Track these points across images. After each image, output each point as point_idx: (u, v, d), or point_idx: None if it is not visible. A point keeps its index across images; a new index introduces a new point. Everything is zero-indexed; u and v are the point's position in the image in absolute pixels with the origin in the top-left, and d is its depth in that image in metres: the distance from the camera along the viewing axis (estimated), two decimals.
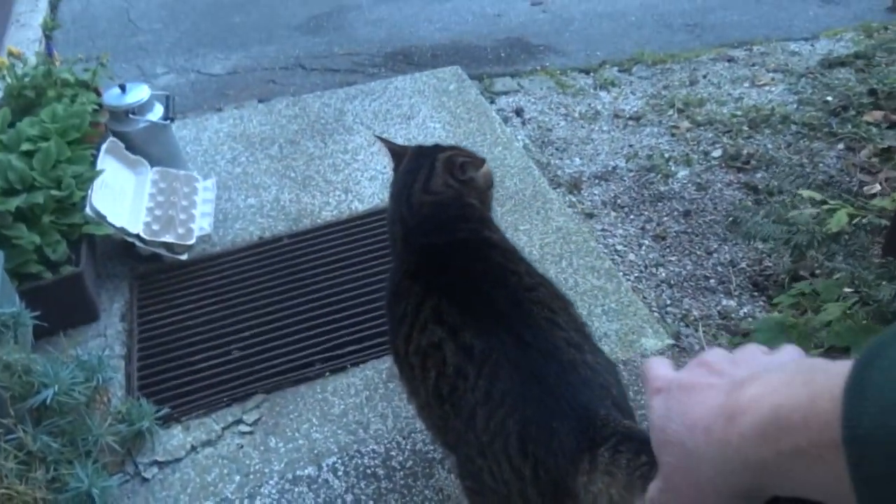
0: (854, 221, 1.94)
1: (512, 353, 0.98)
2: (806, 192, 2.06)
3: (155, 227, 2.14)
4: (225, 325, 1.99)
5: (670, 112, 2.85)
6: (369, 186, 2.46)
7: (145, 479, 1.69)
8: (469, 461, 1.01)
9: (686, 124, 2.77)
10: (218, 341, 1.95)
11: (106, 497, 1.53)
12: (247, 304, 2.04)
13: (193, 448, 1.74)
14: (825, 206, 2.01)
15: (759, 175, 2.47)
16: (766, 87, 2.98)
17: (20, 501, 1.43)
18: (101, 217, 1.96)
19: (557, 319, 1.04)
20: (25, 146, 1.98)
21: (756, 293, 2.05)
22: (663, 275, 2.13)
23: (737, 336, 1.88)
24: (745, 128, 2.72)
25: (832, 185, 2.35)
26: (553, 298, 1.10)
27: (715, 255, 2.19)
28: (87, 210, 1.94)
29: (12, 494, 1.43)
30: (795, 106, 2.84)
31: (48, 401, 1.52)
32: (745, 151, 2.57)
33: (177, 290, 2.09)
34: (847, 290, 1.67)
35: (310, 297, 2.03)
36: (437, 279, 1.15)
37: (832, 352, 1.41)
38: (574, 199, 2.43)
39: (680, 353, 1.75)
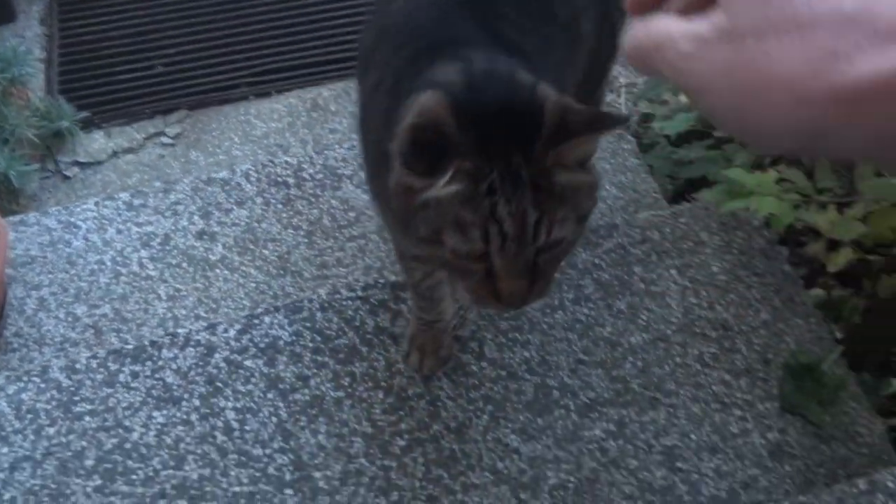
0: None
1: None
2: None
3: None
4: (148, 39, 1.94)
5: None
6: None
7: (66, 177, 1.74)
8: None
9: None
10: (141, 55, 1.92)
11: (25, 181, 1.59)
12: (172, 21, 1.98)
13: (115, 153, 1.79)
14: None
15: None
16: None
17: None
18: None
19: None
20: None
21: None
22: None
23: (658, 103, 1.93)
24: None
25: None
26: None
27: None
28: None
29: None
30: None
31: None
32: None
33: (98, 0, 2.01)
34: None
35: (240, 19, 1.97)
36: None
37: None
38: None
39: None
